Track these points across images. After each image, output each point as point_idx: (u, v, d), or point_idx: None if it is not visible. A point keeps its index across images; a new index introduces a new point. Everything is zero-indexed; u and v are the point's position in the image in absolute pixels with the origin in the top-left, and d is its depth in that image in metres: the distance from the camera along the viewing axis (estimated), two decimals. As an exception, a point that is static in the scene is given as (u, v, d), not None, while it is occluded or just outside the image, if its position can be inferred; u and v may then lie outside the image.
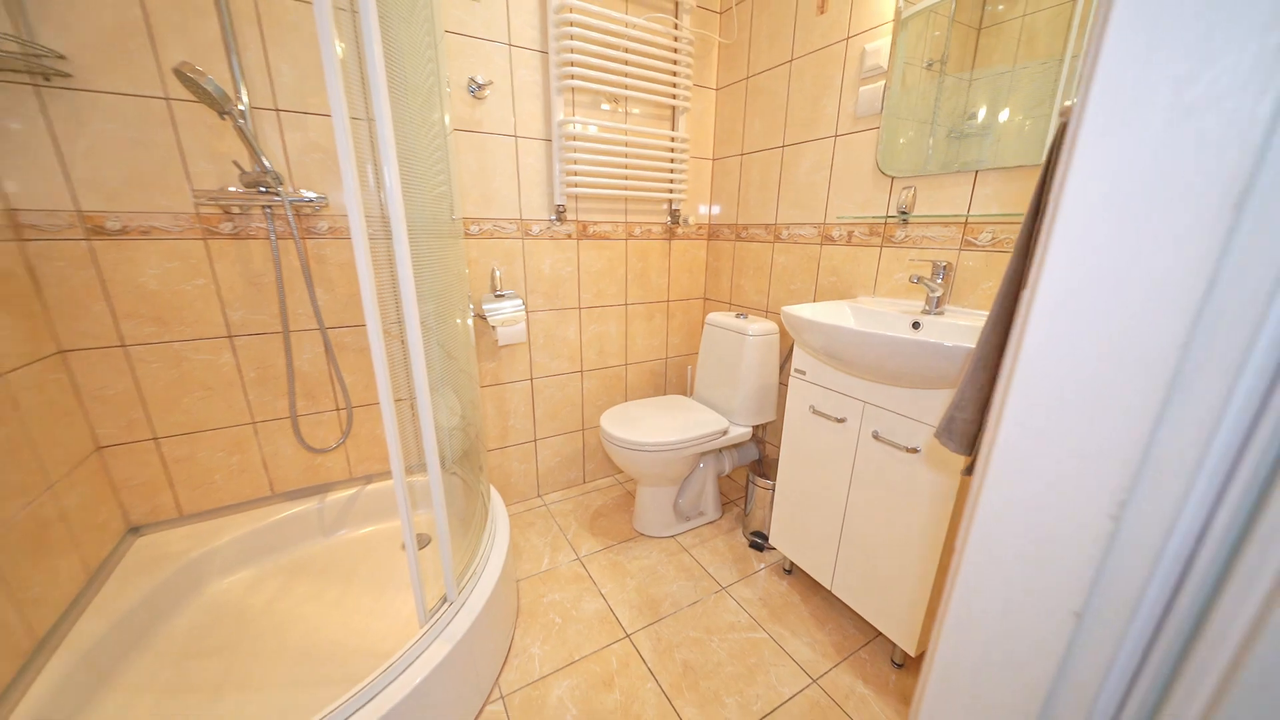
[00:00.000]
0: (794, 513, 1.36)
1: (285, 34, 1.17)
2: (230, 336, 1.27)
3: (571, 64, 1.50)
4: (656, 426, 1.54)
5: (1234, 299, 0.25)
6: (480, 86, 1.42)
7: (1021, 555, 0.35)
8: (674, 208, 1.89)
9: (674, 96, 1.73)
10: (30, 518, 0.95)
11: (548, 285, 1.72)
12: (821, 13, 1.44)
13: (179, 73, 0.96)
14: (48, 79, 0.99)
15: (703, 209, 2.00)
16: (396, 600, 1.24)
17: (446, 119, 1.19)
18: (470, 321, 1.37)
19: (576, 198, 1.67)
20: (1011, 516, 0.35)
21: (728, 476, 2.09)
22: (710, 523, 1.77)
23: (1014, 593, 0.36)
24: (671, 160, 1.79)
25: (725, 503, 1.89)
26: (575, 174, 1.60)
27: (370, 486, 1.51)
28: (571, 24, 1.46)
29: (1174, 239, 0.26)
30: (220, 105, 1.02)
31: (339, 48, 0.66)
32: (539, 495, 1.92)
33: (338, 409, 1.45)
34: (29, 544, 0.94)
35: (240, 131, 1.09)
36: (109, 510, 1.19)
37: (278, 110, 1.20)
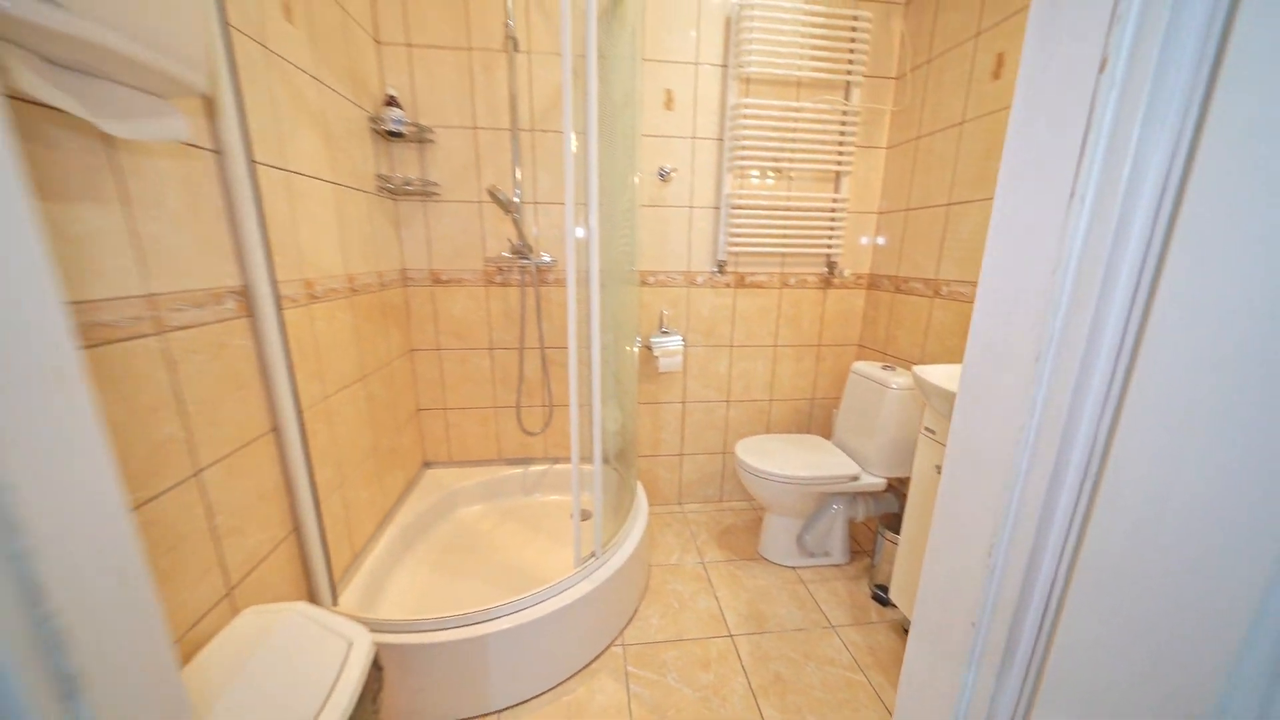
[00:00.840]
0: (917, 571, 1.36)
1: (546, 159, 1.77)
2: (490, 349, 1.92)
3: (741, 148, 1.81)
4: (786, 460, 1.70)
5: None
6: (667, 173, 1.84)
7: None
8: (831, 260, 2.02)
9: (838, 163, 1.89)
10: (389, 447, 1.65)
11: (705, 325, 2.04)
12: (996, 79, 1.45)
13: (490, 190, 1.59)
14: (427, 196, 1.74)
15: (862, 260, 2.07)
16: (564, 552, 1.68)
17: (635, 199, 1.63)
18: (636, 350, 1.77)
19: (737, 254, 1.96)
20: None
21: (862, 523, 2.06)
22: (835, 565, 1.81)
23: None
24: (831, 218, 1.94)
25: (856, 550, 1.89)
26: (737, 235, 1.90)
27: (557, 466, 2.03)
28: (744, 117, 1.78)
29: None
30: (506, 207, 1.63)
31: (571, 167, 1.10)
32: (679, 503, 2.23)
33: (544, 406, 2.01)
34: (387, 461, 1.64)
35: (514, 222, 1.71)
36: (417, 450, 1.93)
37: (535, 204, 1.80)
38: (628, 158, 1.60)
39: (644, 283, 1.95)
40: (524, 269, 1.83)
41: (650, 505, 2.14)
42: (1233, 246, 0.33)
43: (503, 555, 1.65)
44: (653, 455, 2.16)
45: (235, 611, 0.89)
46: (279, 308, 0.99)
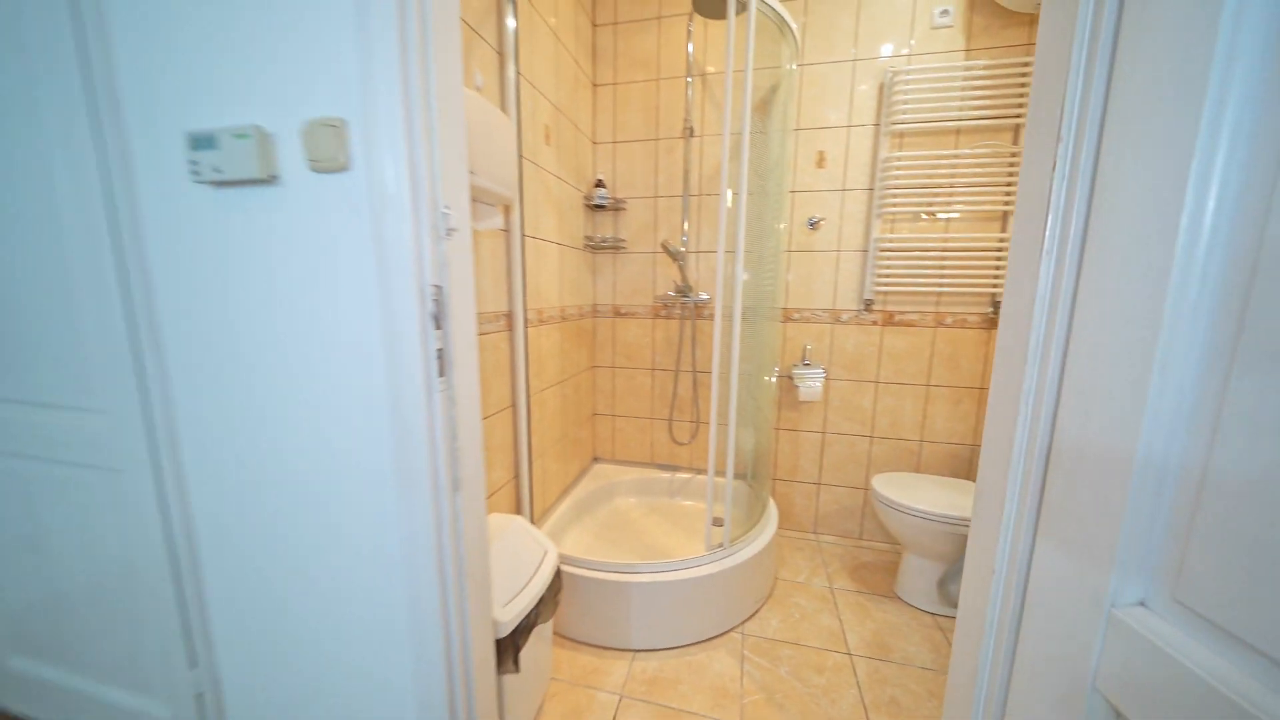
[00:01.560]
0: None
1: (708, 216, 2.16)
2: (651, 370, 2.34)
3: (891, 196, 1.93)
4: (927, 497, 1.69)
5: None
6: (816, 223, 2.06)
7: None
8: (997, 300, 1.94)
9: (1005, 202, 1.86)
10: (573, 438, 2.16)
11: (849, 360, 2.13)
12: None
13: (662, 244, 2.03)
14: (616, 250, 2.27)
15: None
16: (698, 545, 1.93)
17: (781, 245, 1.89)
18: (775, 380, 1.98)
19: (885, 293, 2.03)
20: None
21: (1032, 594, 1.83)
22: (985, 624, 1.68)
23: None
24: (997, 258, 1.89)
25: (1016, 616, 1.71)
26: (885, 276, 1.99)
27: (699, 476, 2.31)
28: (896, 168, 1.91)
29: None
30: (674, 256, 2.05)
31: (723, 223, 1.43)
32: (814, 532, 2.28)
33: (692, 421, 2.33)
34: (570, 449, 2.14)
35: (679, 268, 2.12)
36: (590, 445, 2.42)
37: (697, 252, 2.19)
38: (776, 210, 1.88)
39: (788, 319, 2.16)
40: (684, 305, 2.22)
41: (784, 528, 2.25)
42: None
43: (647, 539, 1.98)
44: (790, 480, 2.28)
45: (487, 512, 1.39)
46: (525, 326, 1.53)
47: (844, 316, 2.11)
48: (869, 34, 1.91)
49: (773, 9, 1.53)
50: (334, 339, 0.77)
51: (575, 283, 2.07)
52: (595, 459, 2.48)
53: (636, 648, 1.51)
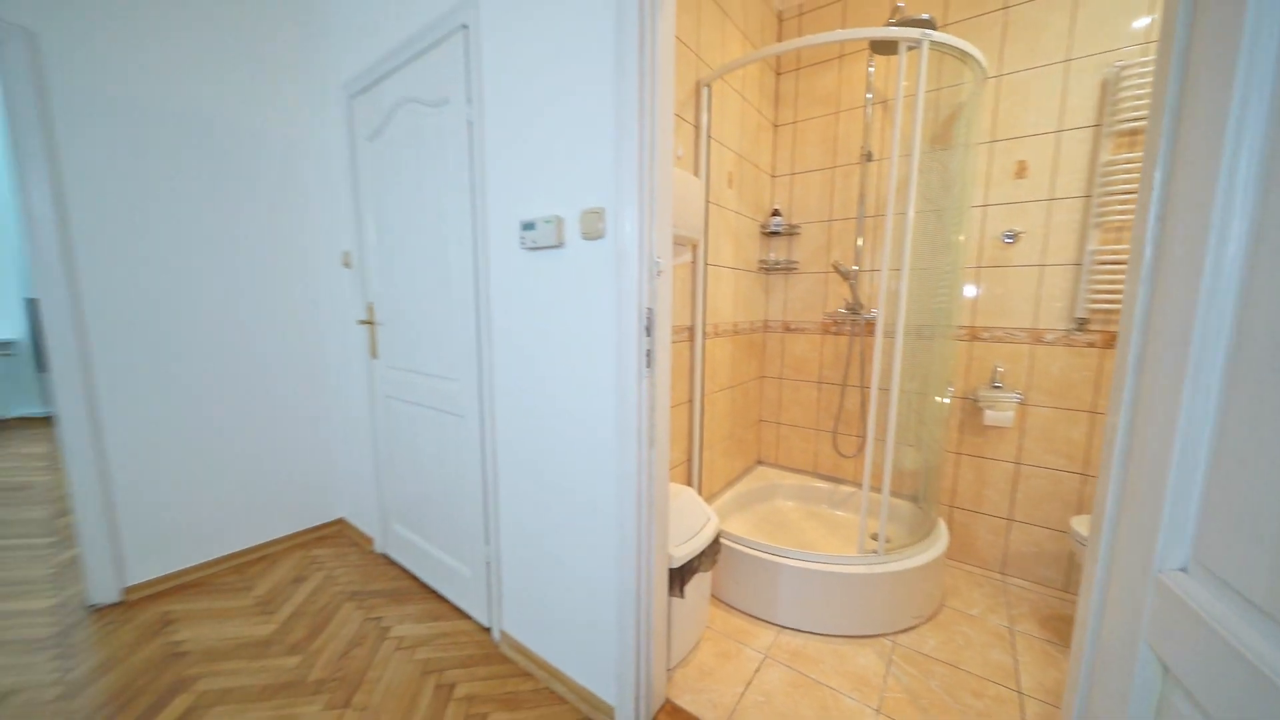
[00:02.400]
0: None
1: (883, 235, 2.21)
2: (818, 383, 2.46)
3: (1113, 203, 1.71)
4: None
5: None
6: (1014, 236, 1.93)
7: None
8: None
9: None
10: (738, 438, 2.43)
11: (1054, 385, 1.91)
12: None
13: (834, 264, 2.17)
14: (789, 271, 2.48)
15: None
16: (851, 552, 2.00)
17: (959, 262, 1.85)
18: (948, 400, 1.92)
19: (1104, 311, 1.79)
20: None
21: None
22: None
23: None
24: None
25: None
26: (1104, 291, 1.75)
27: (859, 490, 2.33)
28: (1120, 171, 1.69)
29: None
30: (845, 276, 2.17)
31: (888, 243, 1.55)
32: (1001, 572, 2.07)
33: (858, 436, 2.36)
34: (735, 448, 2.41)
35: (850, 287, 2.22)
36: (754, 448, 2.65)
37: (871, 271, 2.25)
38: (956, 225, 1.85)
39: (974, 338, 2.05)
40: (854, 322, 2.29)
41: (960, 560, 2.12)
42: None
43: (802, 537, 2.12)
44: (971, 510, 2.12)
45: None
46: (703, 338, 1.89)
47: (1049, 337, 1.91)
48: (1088, 29, 1.75)
49: (950, 45, 1.59)
50: (586, 339, 1.23)
51: (747, 301, 2.35)
52: (759, 461, 2.69)
53: (782, 624, 1.70)
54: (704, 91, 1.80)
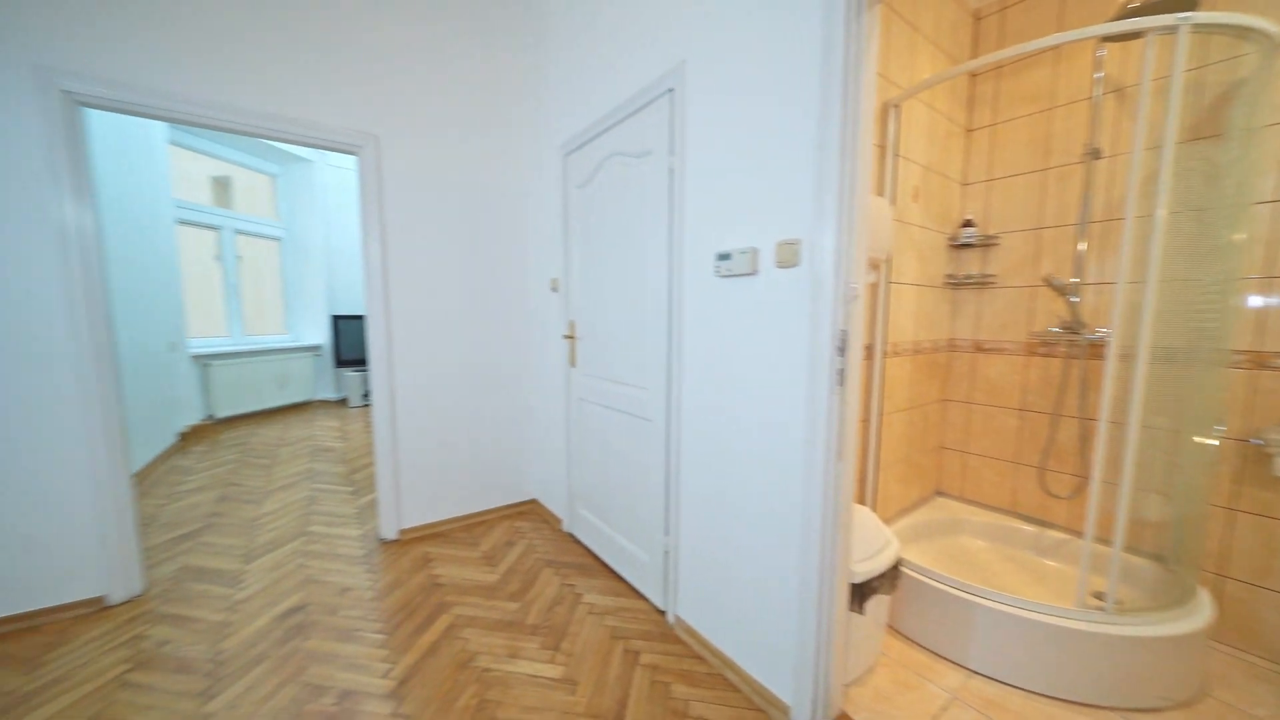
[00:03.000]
0: None
1: (1113, 243, 1.89)
2: (1020, 410, 2.18)
3: None
4: None
5: None
6: (1327, 236, 1.50)
7: None
8: None
9: None
10: (914, 464, 2.27)
11: (1405, 435, 1.42)
12: None
13: (1045, 278, 1.93)
14: (983, 285, 2.25)
15: None
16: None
17: (1235, 271, 1.50)
18: (1215, 442, 1.55)
19: None
20: None
21: None
22: None
23: None
24: None
25: None
26: None
27: (1079, 540, 1.98)
28: None
29: None
30: (1060, 291, 1.91)
31: (1126, 248, 1.36)
32: (1305, 673, 1.58)
33: (1073, 474, 2.03)
34: (910, 473, 2.26)
35: (1068, 302, 1.94)
36: (932, 477, 2.44)
37: (1098, 284, 1.94)
38: (1229, 225, 1.52)
39: (1261, 365, 1.63)
40: (1072, 343, 1.99)
41: (1235, 645, 1.68)
42: None
43: (999, 581, 1.90)
44: (1254, 584, 1.67)
45: (835, 502, 1.79)
46: (882, 357, 1.86)
47: (1394, 369, 1.43)
48: None
49: (1220, 24, 1.34)
50: (775, 356, 1.35)
51: (930, 318, 2.21)
52: (938, 492, 2.47)
53: (974, 668, 1.56)
54: (891, 113, 1.79)
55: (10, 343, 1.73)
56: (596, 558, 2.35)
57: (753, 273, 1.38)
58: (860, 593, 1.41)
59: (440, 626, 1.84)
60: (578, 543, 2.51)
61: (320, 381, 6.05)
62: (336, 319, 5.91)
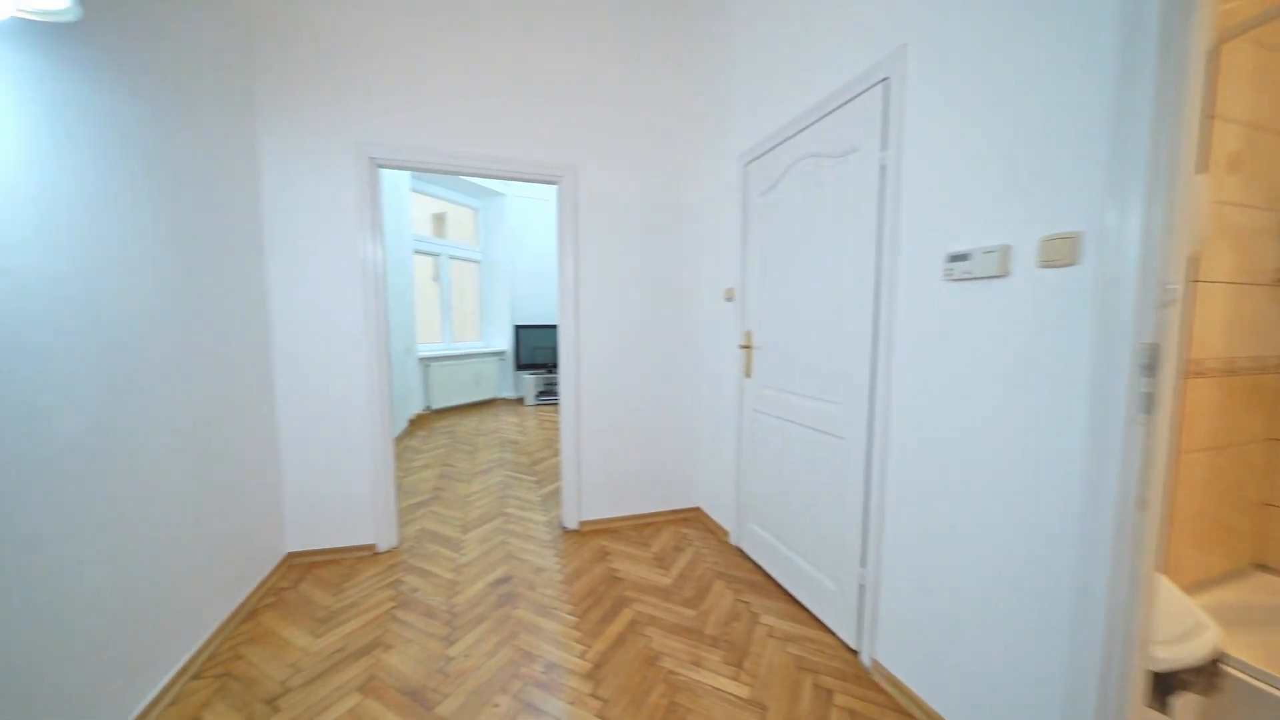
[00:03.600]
0: None
1: None
2: None
3: None
4: None
5: None
6: None
7: None
8: None
9: None
10: (1222, 526, 1.69)
11: None
12: None
13: None
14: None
15: None
16: None
17: None
18: None
19: None
20: None
21: None
22: None
23: None
24: None
25: None
26: None
27: None
28: None
29: None
30: None
31: None
32: None
33: None
34: (1213, 538, 1.69)
35: None
36: (1247, 542, 1.79)
37: None
38: None
39: None
40: None
41: None
42: None
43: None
44: None
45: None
46: (1180, 377, 1.43)
47: None
48: None
49: None
50: (1032, 374, 1.12)
51: (1252, 327, 1.64)
52: (1258, 565, 1.81)
53: (1367, 836, 1.08)
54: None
55: (336, 340, 2.33)
56: (769, 576, 2.24)
57: (1002, 275, 1.17)
58: (1164, 685, 1.08)
59: (624, 620, 1.93)
60: (746, 557, 2.43)
61: (503, 381, 7.01)
62: (518, 328, 6.79)
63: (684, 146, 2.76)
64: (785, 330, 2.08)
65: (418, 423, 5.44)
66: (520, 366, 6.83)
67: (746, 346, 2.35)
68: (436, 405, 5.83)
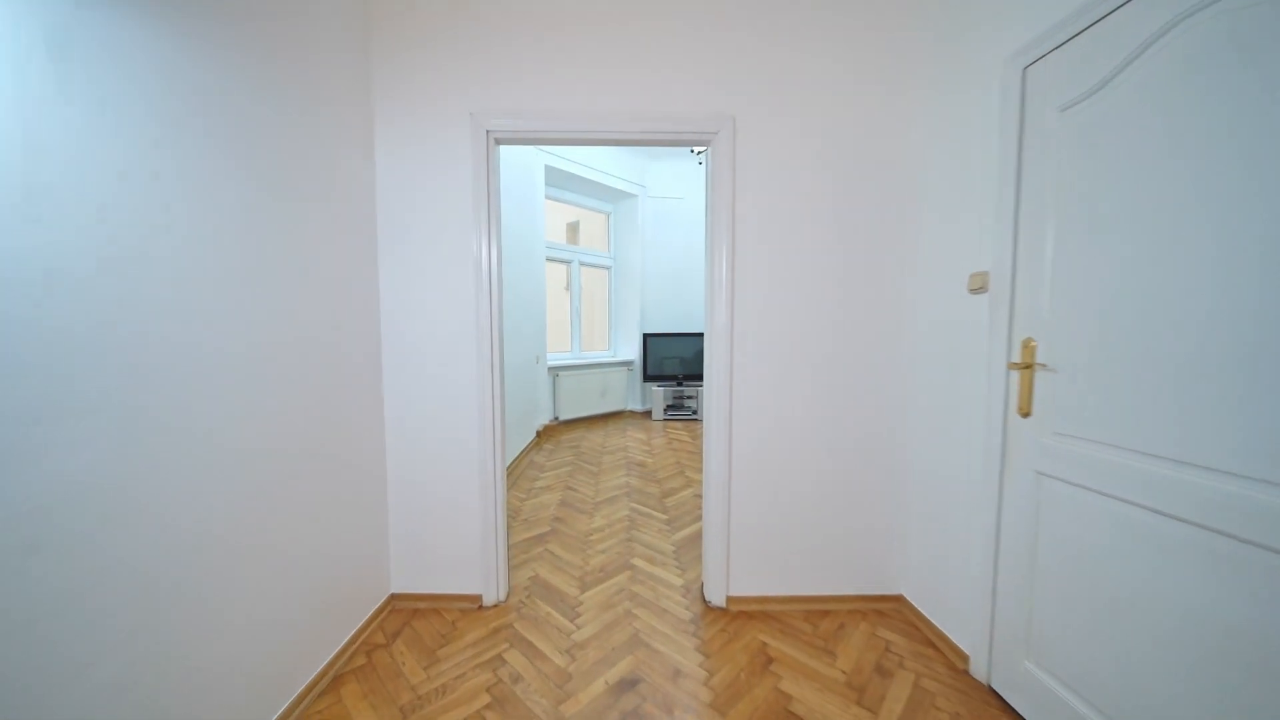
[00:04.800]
0: None
1: None
2: None
3: None
4: None
5: None
6: None
7: None
8: None
9: None
10: None
11: None
12: None
13: None
14: None
15: None
16: None
17: None
18: None
19: None
20: None
21: None
22: None
23: None
24: None
25: None
26: None
27: None
28: None
29: None
30: None
31: None
32: None
33: None
34: None
35: None
36: None
37: None
38: None
39: None
40: None
41: None
42: None
43: None
44: None
45: None
46: None
47: None
48: None
49: None
50: None
51: None
52: None
53: None
54: None
55: (449, 350, 1.97)
56: (1079, 777, 1.26)
57: None
58: None
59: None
60: (1012, 713, 1.47)
61: (630, 393, 6.60)
62: (646, 336, 6.33)
63: (891, 69, 1.91)
64: (1125, 337, 1.13)
65: (544, 435, 5.24)
66: (648, 378, 6.36)
67: (1025, 365, 1.41)
68: (564, 416, 5.61)
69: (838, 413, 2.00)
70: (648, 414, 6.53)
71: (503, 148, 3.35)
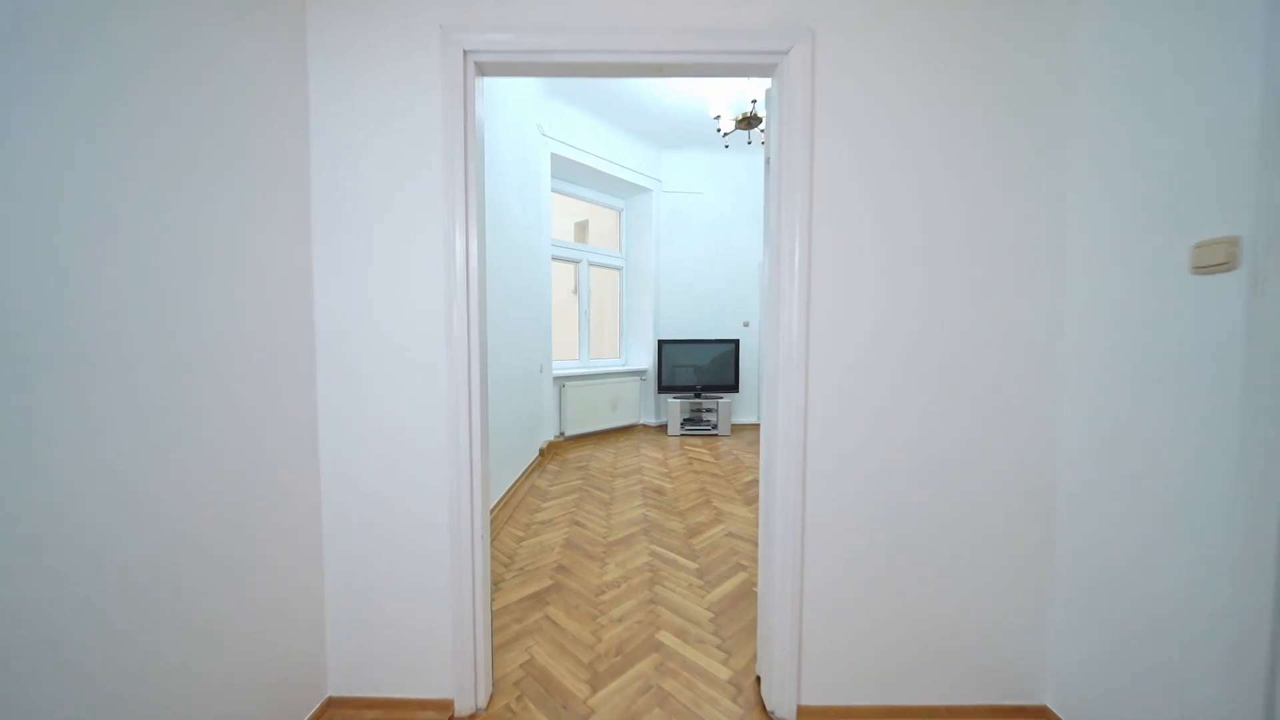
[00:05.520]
0: None
1: None
2: None
3: None
4: None
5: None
6: None
7: None
8: None
9: None
10: None
11: None
12: None
13: None
14: None
15: None
16: None
17: None
18: None
19: None
20: None
21: None
22: None
23: None
24: None
25: None
26: None
27: None
28: None
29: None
30: None
31: None
32: None
33: None
34: None
35: None
36: None
37: None
38: None
39: None
40: None
41: None
42: None
43: None
44: None
45: None
46: None
47: None
48: None
49: None
50: None
51: None
52: None
53: None
54: None
55: (408, 369, 1.42)
56: None
57: None
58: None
59: None
60: None
61: (643, 405, 6.03)
62: (661, 343, 5.78)
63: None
64: None
65: (549, 452, 4.68)
66: (663, 389, 5.78)
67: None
68: (570, 432, 5.04)
69: (949, 471, 1.41)
70: (663, 428, 5.95)
71: (493, 86, 2.60)
